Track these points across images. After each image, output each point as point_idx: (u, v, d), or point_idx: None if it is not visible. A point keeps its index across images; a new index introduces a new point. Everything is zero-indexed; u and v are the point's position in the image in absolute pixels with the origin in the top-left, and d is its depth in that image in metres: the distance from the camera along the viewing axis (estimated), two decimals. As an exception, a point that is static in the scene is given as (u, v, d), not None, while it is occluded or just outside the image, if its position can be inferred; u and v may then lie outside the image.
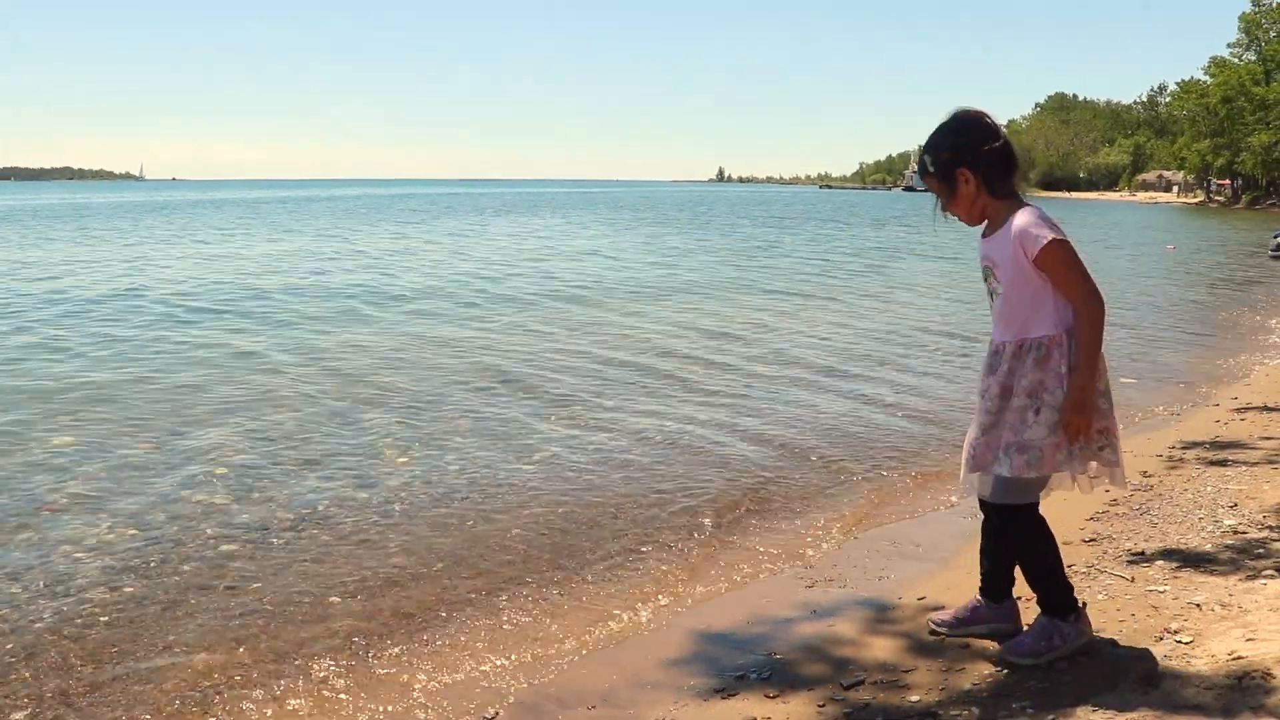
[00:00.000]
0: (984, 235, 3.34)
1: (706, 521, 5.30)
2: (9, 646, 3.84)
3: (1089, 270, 3.20)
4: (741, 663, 3.62)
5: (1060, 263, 3.15)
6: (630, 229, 38.56)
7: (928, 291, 17.20)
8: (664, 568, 4.69)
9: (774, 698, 3.30)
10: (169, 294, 15.56)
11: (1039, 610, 3.39)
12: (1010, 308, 3.26)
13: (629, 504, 5.57)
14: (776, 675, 3.49)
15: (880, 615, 4.00)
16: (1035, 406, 3.18)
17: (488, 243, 30.08)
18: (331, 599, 4.31)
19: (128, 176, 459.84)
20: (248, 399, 8.09)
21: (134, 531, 5.07)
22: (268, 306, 14.17)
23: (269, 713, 3.43)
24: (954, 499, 5.50)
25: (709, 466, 6.30)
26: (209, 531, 5.08)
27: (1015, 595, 3.57)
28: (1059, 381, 3.17)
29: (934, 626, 3.67)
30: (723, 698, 3.35)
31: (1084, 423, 3.16)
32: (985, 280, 3.37)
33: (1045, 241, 3.12)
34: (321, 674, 3.68)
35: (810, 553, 4.85)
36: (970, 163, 3.22)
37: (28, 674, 3.65)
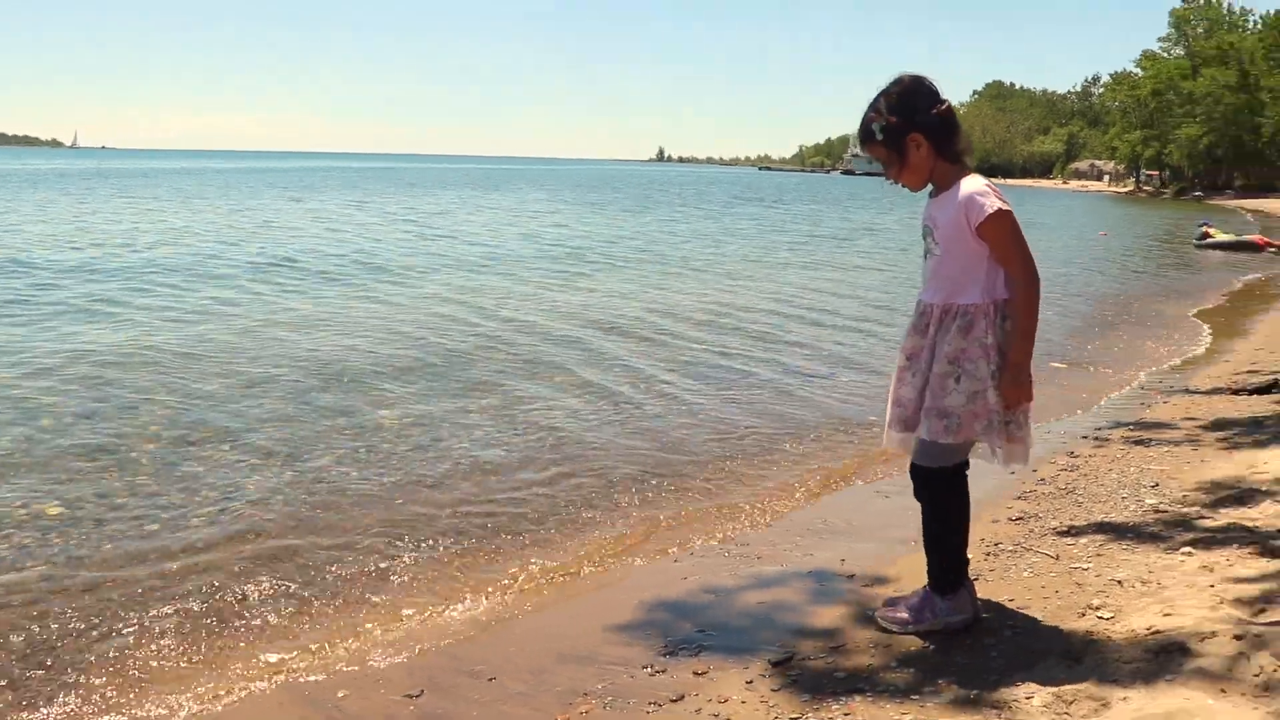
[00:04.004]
0: (931, 195, 3.33)
1: (645, 494, 5.28)
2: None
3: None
4: (675, 638, 3.60)
5: (1004, 234, 3.15)
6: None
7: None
8: (604, 538, 4.66)
9: (703, 674, 3.29)
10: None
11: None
12: (943, 270, 3.26)
13: (563, 476, 5.53)
14: (709, 649, 3.48)
15: (819, 588, 4.03)
16: (956, 374, 3.20)
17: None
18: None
19: (55, 144, 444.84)
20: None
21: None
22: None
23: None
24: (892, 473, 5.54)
25: (652, 438, 6.28)
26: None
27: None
28: (982, 352, 3.18)
29: (884, 624, 3.51)
30: (651, 674, 3.33)
31: (1023, 394, 3.20)
32: (924, 239, 3.36)
33: (992, 210, 3.12)
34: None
35: (754, 526, 4.85)
36: (921, 127, 3.20)
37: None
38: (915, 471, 3.38)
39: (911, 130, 3.20)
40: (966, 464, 3.39)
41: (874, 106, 3.25)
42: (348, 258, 17.17)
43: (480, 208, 36.66)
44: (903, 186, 3.32)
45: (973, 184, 3.19)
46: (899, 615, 3.49)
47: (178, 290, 12.63)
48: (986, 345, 3.18)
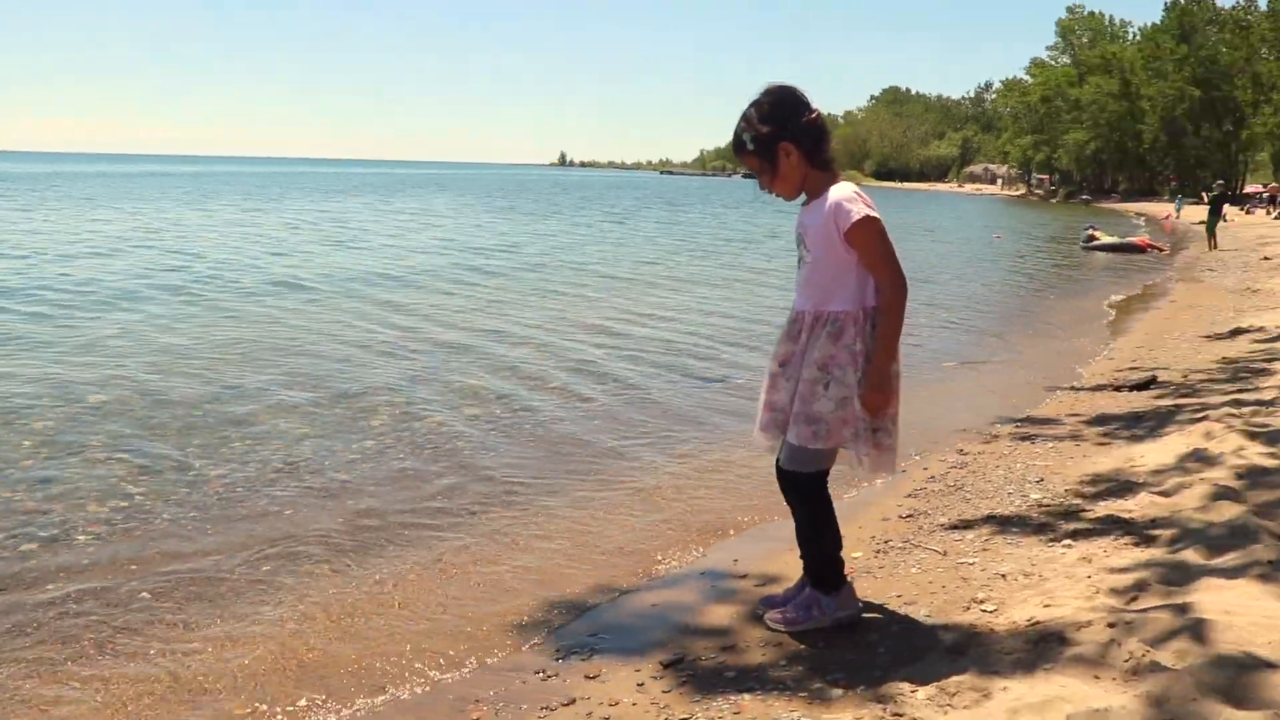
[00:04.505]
0: (804, 204, 3.36)
1: (536, 497, 5.24)
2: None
3: (899, 255, 3.24)
4: (567, 641, 3.59)
5: (870, 239, 3.18)
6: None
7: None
8: (494, 543, 4.60)
9: (594, 677, 3.28)
10: None
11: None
12: (814, 277, 3.29)
13: (454, 482, 5.46)
14: (601, 652, 3.48)
15: (711, 588, 4.05)
16: (825, 381, 3.23)
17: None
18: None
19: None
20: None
21: None
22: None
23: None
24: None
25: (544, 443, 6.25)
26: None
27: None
28: (851, 358, 3.22)
29: (771, 625, 3.54)
30: (543, 678, 3.31)
31: (883, 400, 3.23)
32: (797, 246, 3.39)
33: (858, 217, 3.15)
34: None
35: (647, 527, 4.85)
36: (792, 136, 3.22)
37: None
38: (785, 476, 3.41)
39: (782, 139, 3.22)
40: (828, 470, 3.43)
41: (745, 117, 3.27)
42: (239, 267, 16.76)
43: (384, 213, 36.13)
44: (776, 195, 3.35)
45: (841, 191, 3.23)
46: (786, 615, 3.52)
47: (64, 297, 12.20)
48: (855, 352, 3.22)
